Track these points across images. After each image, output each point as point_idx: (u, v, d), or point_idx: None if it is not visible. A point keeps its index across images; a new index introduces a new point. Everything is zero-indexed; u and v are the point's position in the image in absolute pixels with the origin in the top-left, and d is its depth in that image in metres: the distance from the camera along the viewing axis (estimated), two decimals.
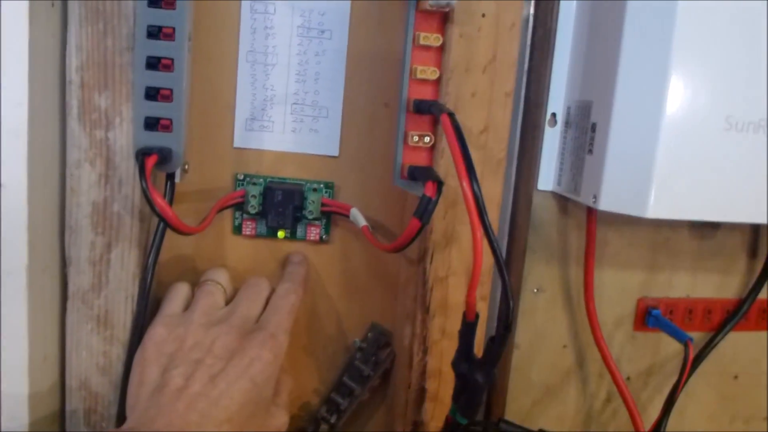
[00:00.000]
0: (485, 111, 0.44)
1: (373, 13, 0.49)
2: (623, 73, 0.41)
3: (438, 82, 0.44)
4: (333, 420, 0.53)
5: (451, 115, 0.39)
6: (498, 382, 0.52)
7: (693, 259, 0.51)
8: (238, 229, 0.51)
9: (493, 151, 0.45)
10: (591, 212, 0.48)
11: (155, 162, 0.42)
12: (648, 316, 0.51)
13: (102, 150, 0.44)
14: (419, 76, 0.43)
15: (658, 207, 0.41)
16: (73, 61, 0.43)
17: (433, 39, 0.43)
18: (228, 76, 0.49)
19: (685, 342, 0.48)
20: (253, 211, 0.50)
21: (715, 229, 0.51)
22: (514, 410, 0.51)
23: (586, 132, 0.44)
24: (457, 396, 0.42)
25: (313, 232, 0.52)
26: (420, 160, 0.44)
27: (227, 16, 0.48)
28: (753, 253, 0.52)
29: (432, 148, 0.44)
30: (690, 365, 0.47)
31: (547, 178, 0.48)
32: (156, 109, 0.43)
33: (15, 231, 0.42)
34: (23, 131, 0.41)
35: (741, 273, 0.52)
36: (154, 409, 0.40)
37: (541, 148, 0.48)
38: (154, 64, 0.42)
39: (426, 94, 0.44)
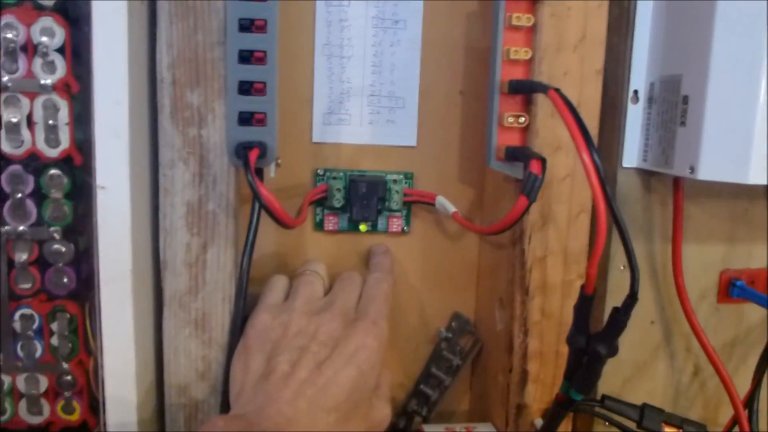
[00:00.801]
0: (577, 89, 0.44)
1: (445, 1, 0.49)
2: (717, 44, 0.41)
3: (530, 62, 0.44)
4: (424, 413, 0.53)
5: (558, 90, 0.39)
6: None
7: None
8: (320, 225, 0.51)
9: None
10: (678, 186, 0.48)
11: (257, 155, 0.41)
12: (732, 288, 0.52)
13: (195, 148, 0.43)
14: (512, 57, 0.43)
15: (758, 172, 0.41)
16: (164, 59, 0.42)
17: (524, 19, 0.43)
18: (305, 71, 0.49)
19: None
20: (338, 205, 0.49)
21: None
22: (605, 389, 0.51)
23: (676, 105, 0.44)
24: (570, 373, 0.42)
25: (395, 224, 0.51)
26: (514, 140, 0.45)
27: (302, 9, 0.48)
28: None
29: (526, 129, 0.44)
30: None
31: (630, 155, 0.49)
32: (250, 103, 0.42)
33: (117, 235, 0.41)
34: (124, 130, 0.40)
35: None
36: (262, 396, 0.40)
37: (624, 125, 0.48)
38: (247, 57, 0.42)
39: (518, 74, 0.44)
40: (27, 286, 0.42)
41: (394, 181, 0.50)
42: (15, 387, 0.44)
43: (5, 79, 0.39)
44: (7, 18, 0.39)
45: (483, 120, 0.51)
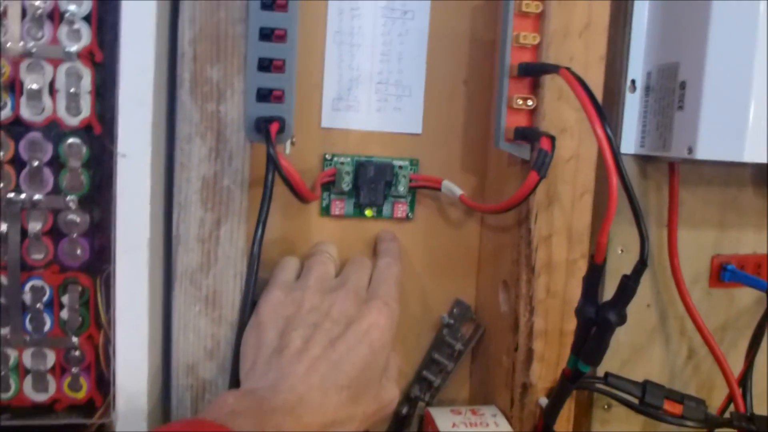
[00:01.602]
0: (581, 74, 0.45)
1: None
2: (714, 30, 0.44)
3: (537, 47, 0.46)
4: (427, 398, 0.53)
5: (569, 68, 0.41)
6: None
7: (758, 217, 0.54)
8: (326, 210, 0.51)
9: None
10: (673, 172, 0.51)
11: (277, 129, 0.42)
12: (723, 272, 0.54)
13: (213, 123, 0.44)
14: (521, 42, 0.45)
15: (753, 150, 0.44)
16: (186, 34, 0.43)
17: (533, 6, 0.45)
18: (315, 57, 0.50)
19: (766, 290, 0.50)
20: (346, 188, 0.50)
21: None
22: (604, 371, 0.52)
23: (674, 91, 0.47)
24: (577, 346, 0.43)
25: (400, 210, 0.52)
26: (522, 122, 0.46)
27: None
28: None
29: (533, 111, 0.46)
30: None
31: (628, 142, 0.51)
32: (269, 80, 0.43)
33: (136, 204, 0.41)
34: (148, 99, 0.40)
35: None
36: (275, 371, 0.40)
37: (622, 113, 0.50)
38: (267, 35, 0.43)
39: (526, 59, 0.46)
40: (39, 256, 0.42)
41: (400, 167, 0.52)
42: (21, 362, 0.43)
43: (30, 45, 0.39)
44: None
45: (485, 109, 0.53)
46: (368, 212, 0.52)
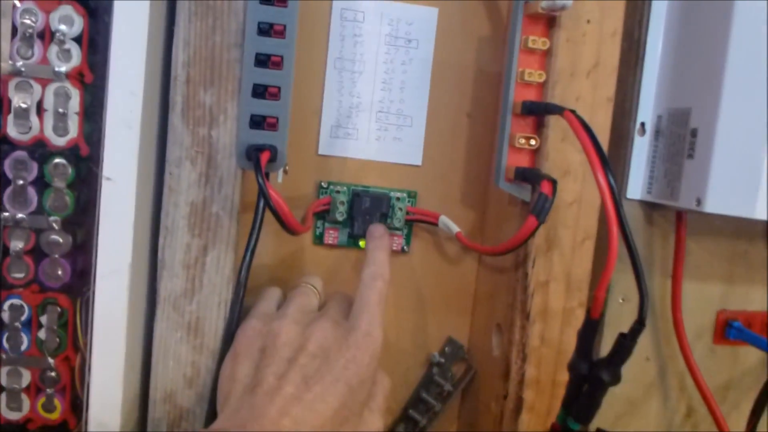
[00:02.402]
0: (588, 115, 0.44)
1: (458, 24, 0.50)
2: (729, 79, 0.42)
3: (543, 85, 0.44)
4: None
5: (573, 111, 0.40)
6: None
7: None
8: (319, 239, 0.50)
9: None
10: (681, 221, 0.49)
11: (268, 158, 0.41)
12: (729, 329, 0.52)
13: (204, 148, 0.43)
14: (526, 79, 0.43)
15: (764, 207, 0.42)
16: (179, 57, 0.42)
17: (540, 43, 0.43)
18: (315, 83, 0.49)
19: None
20: (340, 218, 0.49)
21: None
22: (597, 425, 0.50)
23: (684, 138, 0.45)
24: (568, 401, 0.41)
25: (396, 243, 0.51)
26: (524, 162, 0.45)
27: (317, 22, 0.49)
28: None
29: (536, 152, 0.45)
30: None
31: (635, 186, 0.49)
32: (263, 107, 0.42)
33: (118, 227, 0.40)
34: (136, 122, 0.39)
35: None
36: (246, 410, 0.38)
37: (630, 157, 0.48)
38: (263, 61, 0.42)
39: (531, 96, 0.44)
40: (20, 275, 0.41)
41: (398, 198, 0.50)
42: None
43: (19, 63, 0.39)
44: (28, 3, 0.39)
45: (488, 143, 0.51)
46: (362, 243, 0.50)
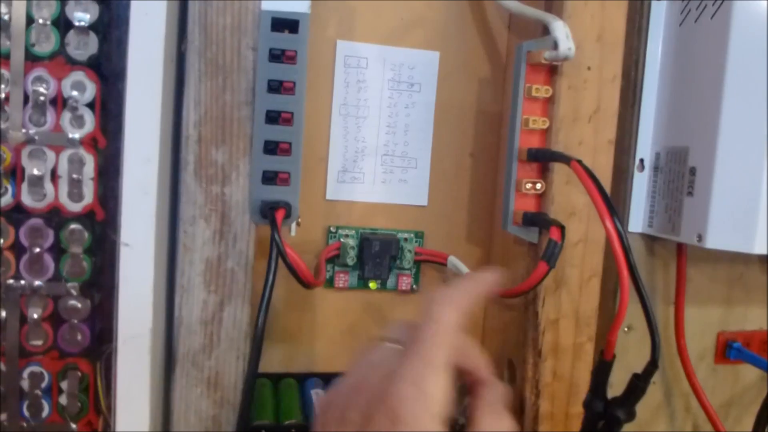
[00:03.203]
0: (590, 158, 0.46)
1: (459, 67, 0.51)
2: (726, 120, 0.43)
3: (546, 131, 0.45)
4: None
5: (580, 161, 0.41)
6: None
7: (764, 293, 0.54)
8: (330, 282, 0.51)
9: None
10: (681, 252, 0.50)
11: (283, 216, 0.41)
12: (729, 349, 0.53)
13: (218, 205, 0.43)
14: (531, 126, 0.44)
15: (763, 242, 0.43)
16: (191, 116, 0.42)
17: (543, 91, 0.44)
18: (321, 129, 0.50)
19: None
20: (351, 263, 0.49)
21: None
22: None
23: (683, 176, 0.46)
24: None
25: (405, 282, 0.52)
26: (530, 206, 0.46)
27: (322, 70, 0.49)
28: None
29: (541, 195, 0.46)
30: None
31: (636, 220, 0.50)
32: (275, 162, 0.43)
33: (138, 293, 0.40)
34: (152, 188, 0.40)
35: None
36: None
37: (630, 192, 0.50)
38: (274, 117, 0.42)
39: (535, 142, 0.45)
40: (39, 342, 0.41)
41: (405, 239, 0.51)
42: None
43: (32, 131, 0.39)
44: (39, 71, 0.39)
45: (492, 182, 0.52)
46: (372, 285, 0.51)
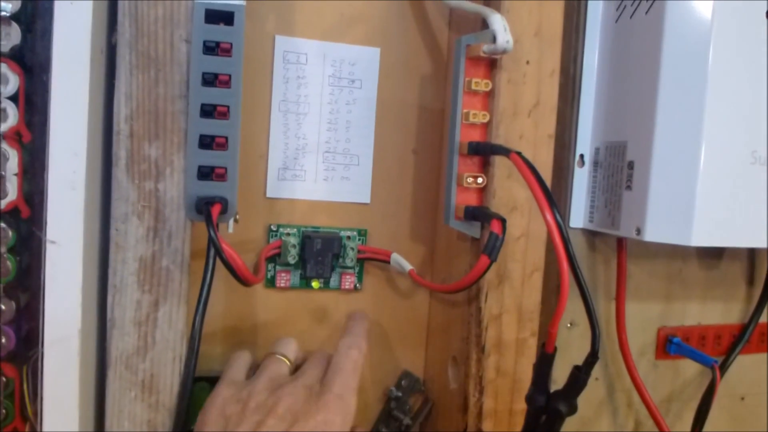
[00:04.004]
0: (531, 152, 0.46)
1: (400, 63, 0.51)
2: (661, 113, 0.44)
3: (487, 125, 0.45)
4: None
5: (519, 153, 0.41)
6: None
7: (702, 288, 0.55)
8: (271, 282, 0.50)
9: None
10: (621, 247, 0.51)
11: (219, 211, 0.40)
12: (669, 344, 0.54)
13: (151, 202, 0.42)
14: (471, 120, 0.44)
15: (700, 235, 0.44)
16: (121, 110, 0.41)
17: (483, 84, 0.44)
18: (260, 126, 0.49)
19: (711, 365, 0.51)
20: (292, 261, 0.48)
21: (719, 260, 0.55)
22: None
23: (622, 170, 0.47)
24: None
25: (348, 281, 0.51)
26: (472, 200, 0.46)
27: (260, 65, 0.48)
28: (751, 280, 0.56)
29: (483, 189, 0.46)
30: (718, 387, 0.50)
31: (577, 216, 0.51)
32: (211, 157, 0.41)
33: (65, 293, 0.39)
34: (80, 183, 0.38)
35: (742, 299, 0.56)
36: None
37: (571, 187, 0.50)
38: (209, 111, 0.41)
39: (476, 136, 0.45)
40: None
41: (348, 237, 0.50)
42: None
43: None
44: None
45: (435, 178, 0.52)
46: (315, 284, 0.50)
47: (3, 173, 0.38)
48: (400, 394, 0.53)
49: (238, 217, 0.45)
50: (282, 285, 0.50)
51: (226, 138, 0.42)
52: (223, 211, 0.41)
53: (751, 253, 0.56)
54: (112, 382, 0.42)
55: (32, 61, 0.38)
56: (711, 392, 0.51)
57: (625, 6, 0.47)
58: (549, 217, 0.38)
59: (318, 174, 0.50)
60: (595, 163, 0.50)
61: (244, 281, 0.41)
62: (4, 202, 0.38)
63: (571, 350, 0.52)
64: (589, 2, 0.49)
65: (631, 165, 0.46)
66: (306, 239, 0.49)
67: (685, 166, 0.44)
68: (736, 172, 0.44)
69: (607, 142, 0.49)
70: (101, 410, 0.43)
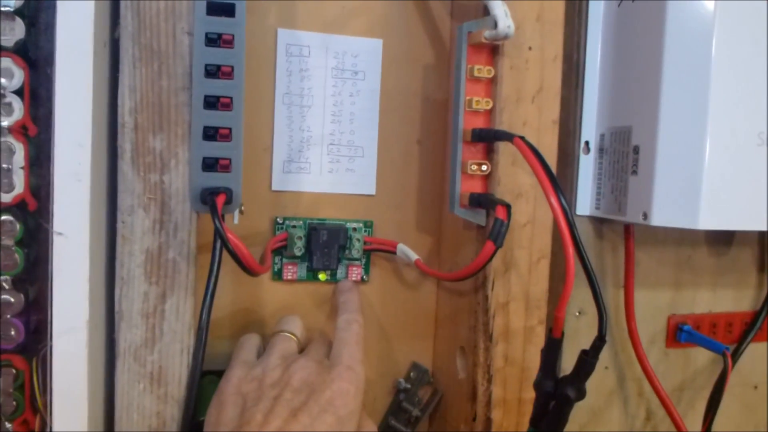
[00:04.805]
0: (535, 138, 0.45)
1: (403, 53, 0.51)
2: (665, 98, 0.44)
3: (490, 112, 0.45)
4: None
5: (522, 137, 0.41)
6: None
7: (712, 275, 0.54)
8: (278, 275, 0.50)
9: None
10: (629, 233, 0.50)
11: (224, 201, 0.41)
12: (680, 333, 0.54)
13: (157, 194, 0.42)
14: (474, 107, 0.44)
15: (707, 218, 0.44)
16: (126, 103, 0.41)
17: (485, 71, 0.44)
18: (265, 119, 0.49)
19: (723, 352, 0.50)
20: (299, 254, 0.49)
21: (729, 246, 0.55)
22: None
23: (627, 155, 0.47)
24: (536, 419, 0.42)
25: (355, 273, 0.51)
26: (477, 188, 0.45)
27: (263, 59, 0.48)
28: (762, 267, 0.56)
29: (488, 177, 0.46)
30: (730, 374, 0.49)
31: (583, 203, 0.50)
32: (215, 149, 0.42)
33: (73, 284, 0.39)
34: (85, 174, 0.38)
35: (753, 286, 0.56)
36: None
37: (577, 175, 0.50)
38: (213, 103, 0.41)
39: (479, 124, 0.45)
40: None
41: (354, 229, 0.50)
42: None
43: None
44: None
45: (440, 169, 0.52)
46: (322, 276, 0.50)
47: (10, 167, 0.39)
48: (409, 386, 0.53)
49: (243, 208, 0.45)
50: (289, 277, 0.50)
51: (230, 129, 0.42)
52: (228, 201, 0.42)
53: (762, 239, 0.56)
54: (121, 374, 0.42)
55: (36, 56, 0.39)
56: (723, 380, 0.50)
57: None
58: (554, 200, 0.38)
59: (323, 166, 0.50)
60: (601, 150, 0.50)
61: (250, 270, 0.41)
62: (11, 196, 0.39)
63: (580, 338, 0.51)
64: None
65: (636, 150, 0.46)
66: (312, 231, 0.49)
67: (691, 149, 0.44)
68: (742, 154, 0.44)
69: (612, 128, 0.48)
70: (111, 403, 0.43)
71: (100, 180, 0.41)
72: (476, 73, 0.44)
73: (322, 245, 0.49)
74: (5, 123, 0.38)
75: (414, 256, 0.49)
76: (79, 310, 0.39)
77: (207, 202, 0.41)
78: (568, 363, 0.50)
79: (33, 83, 0.39)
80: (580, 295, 0.51)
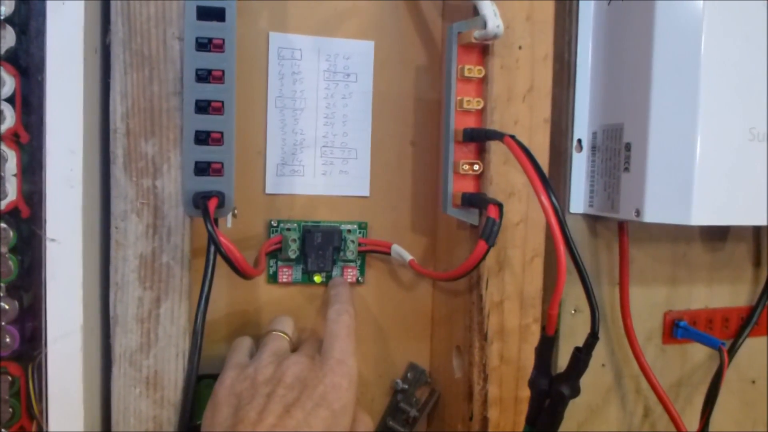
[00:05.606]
0: (527, 137, 0.46)
1: (395, 55, 0.51)
2: (656, 94, 0.44)
3: (481, 112, 0.45)
4: None
5: (513, 136, 0.41)
6: None
7: (708, 271, 0.54)
8: (273, 278, 0.50)
9: None
10: (623, 230, 0.50)
11: (216, 205, 0.41)
12: (676, 329, 0.54)
13: (150, 199, 0.42)
14: (465, 107, 0.44)
15: (699, 214, 0.44)
16: (117, 109, 0.41)
17: (476, 71, 0.44)
18: (258, 123, 0.49)
19: (719, 347, 0.50)
20: (293, 256, 0.49)
21: (724, 242, 0.55)
22: None
23: (619, 152, 0.47)
24: (532, 417, 0.42)
25: (350, 274, 0.51)
26: (469, 187, 0.46)
27: (255, 62, 0.49)
28: (757, 262, 0.56)
29: (480, 176, 0.46)
30: (726, 369, 0.49)
31: (577, 201, 0.50)
32: (206, 153, 0.42)
33: (67, 290, 0.39)
34: (78, 180, 0.39)
35: (749, 281, 0.56)
36: None
37: (570, 173, 0.50)
38: (204, 107, 0.41)
39: (471, 123, 0.45)
40: None
41: (349, 230, 0.50)
42: None
43: None
44: None
45: (434, 169, 0.52)
46: (317, 278, 0.51)
47: (2, 174, 0.39)
48: (406, 386, 0.53)
49: (236, 211, 0.45)
50: (284, 280, 0.50)
51: (222, 133, 0.42)
52: (221, 205, 0.42)
53: (757, 234, 0.56)
54: (117, 378, 0.43)
55: (27, 63, 0.39)
56: (720, 375, 0.50)
57: None
58: (544, 198, 0.38)
59: (316, 168, 0.50)
60: (593, 148, 0.50)
61: (243, 274, 0.41)
62: (4, 203, 0.39)
63: (575, 337, 0.51)
64: None
65: (628, 147, 0.46)
66: (306, 233, 0.49)
67: (683, 145, 0.44)
68: (734, 149, 0.44)
69: (603, 126, 0.48)
70: (107, 407, 0.43)
71: (93, 186, 0.41)
72: (467, 73, 0.44)
73: (316, 247, 0.49)
74: None
75: (408, 256, 0.49)
76: (73, 316, 0.39)
77: (199, 207, 0.41)
78: (564, 361, 0.50)
79: (24, 90, 0.39)
80: (575, 293, 0.51)
